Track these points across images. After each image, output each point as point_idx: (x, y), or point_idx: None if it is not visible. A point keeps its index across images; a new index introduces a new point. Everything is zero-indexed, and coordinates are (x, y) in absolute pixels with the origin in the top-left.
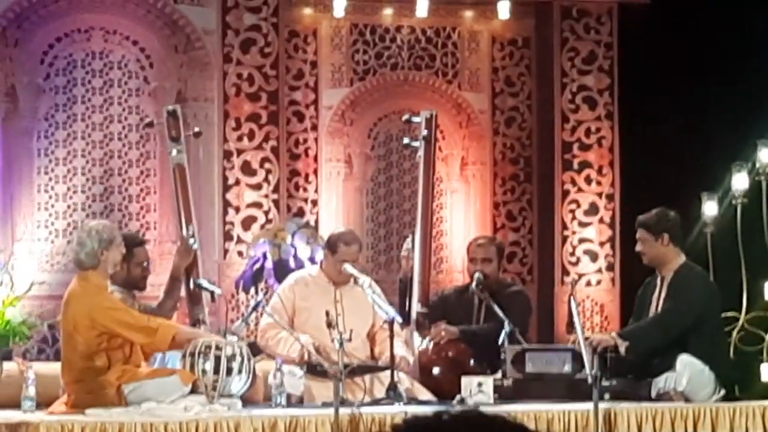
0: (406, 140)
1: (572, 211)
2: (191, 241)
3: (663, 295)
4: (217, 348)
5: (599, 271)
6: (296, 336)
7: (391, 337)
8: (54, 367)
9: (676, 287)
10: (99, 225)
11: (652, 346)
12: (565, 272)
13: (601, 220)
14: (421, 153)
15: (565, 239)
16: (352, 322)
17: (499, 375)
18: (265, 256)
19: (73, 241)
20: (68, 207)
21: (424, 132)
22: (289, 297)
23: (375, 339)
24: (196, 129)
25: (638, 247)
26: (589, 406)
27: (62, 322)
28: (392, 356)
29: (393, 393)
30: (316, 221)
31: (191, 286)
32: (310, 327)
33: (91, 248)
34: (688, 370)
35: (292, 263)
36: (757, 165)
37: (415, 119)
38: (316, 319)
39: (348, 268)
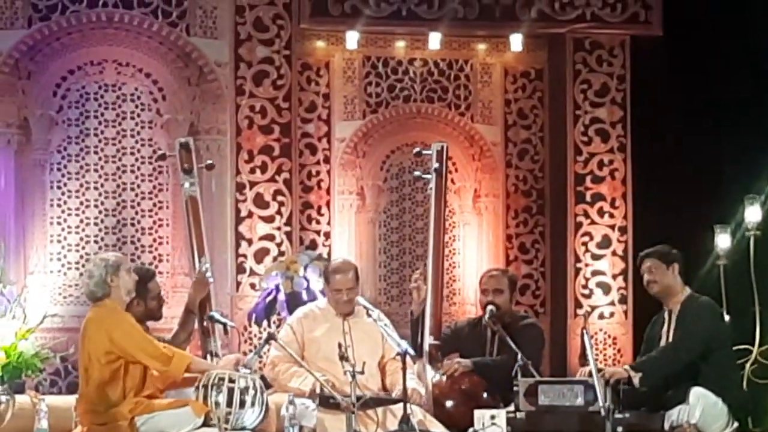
0: (417, 173)
1: (585, 244)
2: (207, 274)
3: (672, 327)
4: (230, 380)
5: (612, 303)
6: (309, 369)
7: (404, 369)
8: (66, 400)
9: (684, 317)
10: (104, 254)
11: (664, 374)
12: (578, 305)
13: (614, 253)
14: (432, 185)
15: (577, 271)
16: (362, 354)
17: (512, 408)
18: (277, 289)
19: (83, 276)
20: (80, 239)
21: (436, 164)
22: (298, 330)
23: (385, 370)
24: (209, 161)
25: (648, 276)
26: None
27: (80, 352)
28: (405, 388)
29: (406, 426)
30: (329, 253)
31: (204, 318)
32: (321, 359)
33: (99, 277)
34: (701, 403)
35: (304, 296)
36: None
37: (426, 152)
38: (325, 351)
39: (360, 300)
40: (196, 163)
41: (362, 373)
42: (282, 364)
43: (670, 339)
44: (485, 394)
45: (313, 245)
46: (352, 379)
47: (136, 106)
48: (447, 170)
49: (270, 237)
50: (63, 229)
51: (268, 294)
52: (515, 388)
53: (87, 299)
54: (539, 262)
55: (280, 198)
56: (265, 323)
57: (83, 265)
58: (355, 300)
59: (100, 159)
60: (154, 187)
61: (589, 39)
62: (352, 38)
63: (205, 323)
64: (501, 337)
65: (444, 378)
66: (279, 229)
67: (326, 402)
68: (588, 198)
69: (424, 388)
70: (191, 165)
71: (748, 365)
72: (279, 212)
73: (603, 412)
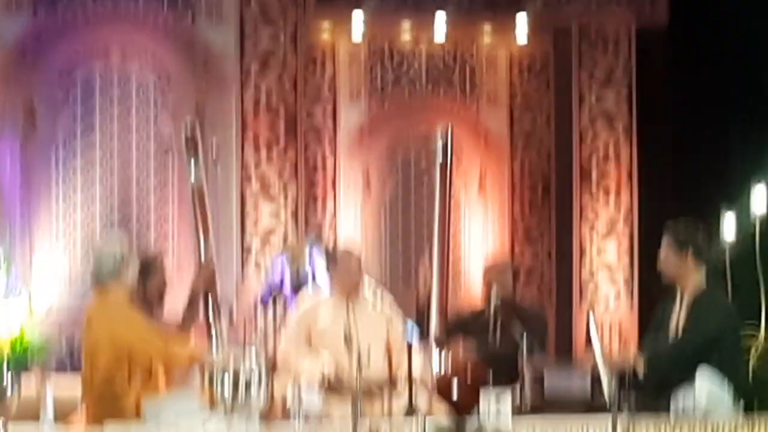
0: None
1: (591, 229)
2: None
3: (682, 316)
4: (236, 365)
5: (617, 290)
6: (317, 357)
7: (410, 356)
8: (72, 380)
9: (697, 314)
10: (111, 238)
11: (670, 371)
12: (583, 291)
13: (619, 239)
14: (437, 172)
15: (583, 258)
16: (367, 340)
17: (517, 395)
18: (283, 274)
19: (89, 261)
20: (85, 218)
21: (440, 151)
22: (302, 322)
23: (392, 354)
24: (214, 156)
25: (661, 255)
26: (607, 419)
27: (84, 342)
28: (410, 375)
29: (411, 411)
30: (335, 239)
31: (209, 305)
32: (326, 347)
33: (108, 261)
34: (707, 386)
35: (309, 281)
36: None
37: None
38: (331, 339)
39: (367, 283)
40: (201, 153)
41: (368, 358)
42: (290, 356)
43: (680, 327)
44: (490, 381)
45: (318, 231)
46: (357, 364)
47: (142, 96)
48: (451, 157)
49: (275, 223)
50: (69, 208)
51: (274, 279)
52: (520, 376)
53: (93, 284)
54: (545, 249)
55: (285, 185)
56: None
57: (88, 248)
58: (361, 281)
59: (104, 149)
60: (159, 181)
61: (594, 27)
62: (358, 26)
63: (210, 310)
64: (505, 325)
65: (449, 365)
66: (284, 215)
67: (332, 386)
68: (593, 184)
69: (431, 376)
70: (197, 155)
71: (754, 348)
72: (285, 199)
73: (608, 400)
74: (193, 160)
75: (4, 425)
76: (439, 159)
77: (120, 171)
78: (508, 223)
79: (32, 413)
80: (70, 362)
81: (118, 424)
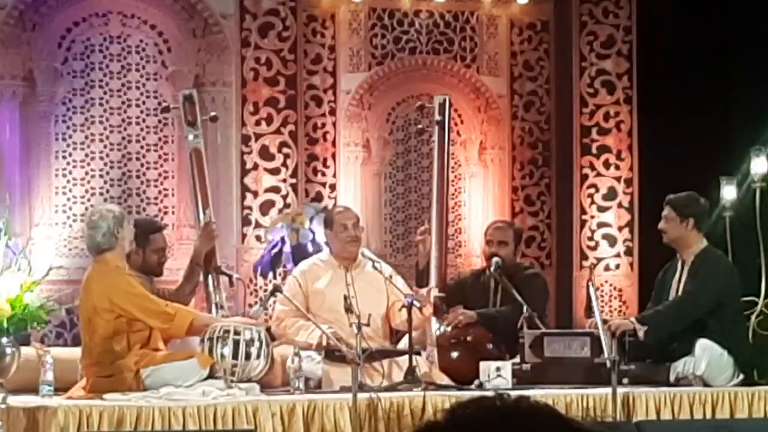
0: (419, 126)
1: (591, 196)
2: (213, 226)
3: (683, 278)
4: (236, 333)
5: (618, 255)
6: (315, 322)
7: (410, 321)
8: (72, 352)
9: (697, 272)
10: (108, 205)
11: (671, 330)
12: (584, 257)
13: (619, 205)
14: (435, 138)
15: (583, 224)
16: (366, 305)
17: (517, 359)
18: (283, 241)
19: (84, 228)
20: (86, 191)
21: (438, 117)
22: (302, 282)
23: (391, 314)
24: (213, 113)
25: (662, 225)
26: (607, 390)
27: (81, 306)
28: (410, 341)
29: (411, 377)
30: (334, 205)
31: (210, 270)
32: (325, 311)
33: (106, 229)
34: (707, 355)
35: (310, 248)
36: None
37: (429, 105)
38: (330, 302)
39: (366, 252)
40: (200, 116)
41: (368, 325)
42: (288, 319)
43: (681, 290)
44: (490, 346)
45: (318, 197)
46: (357, 331)
47: (141, 58)
48: (451, 122)
49: (275, 189)
50: (68, 181)
51: (274, 246)
52: (520, 340)
53: (90, 252)
54: (545, 214)
55: (285, 150)
56: (270, 275)
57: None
58: (360, 245)
59: (105, 111)
60: (160, 139)
61: None
62: None
63: (210, 276)
64: (505, 288)
65: (449, 329)
66: (284, 181)
67: (332, 354)
68: (594, 150)
69: (431, 340)
70: (195, 117)
71: (753, 317)
72: (284, 164)
73: (608, 364)
74: (190, 126)
75: (4, 398)
76: (436, 125)
77: (119, 129)
78: (509, 189)
79: (32, 385)
80: (69, 334)
81: (118, 393)
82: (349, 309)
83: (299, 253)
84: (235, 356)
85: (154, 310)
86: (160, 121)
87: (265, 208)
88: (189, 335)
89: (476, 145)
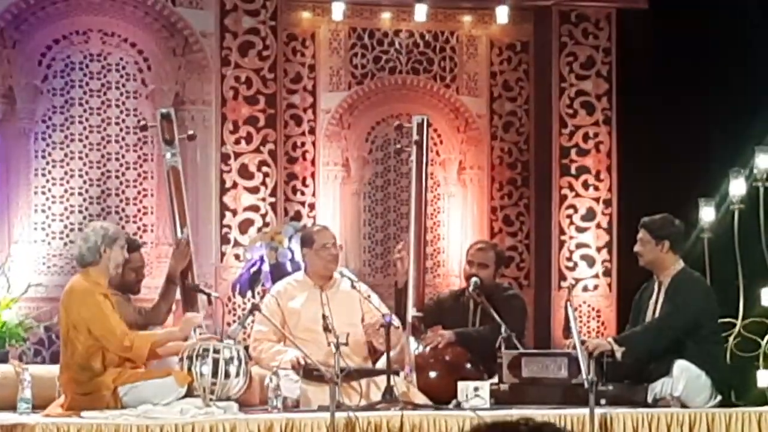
0: (398, 146)
1: (569, 216)
2: (187, 243)
3: (660, 300)
4: (215, 351)
5: (596, 276)
6: (294, 342)
7: (387, 341)
8: (50, 369)
9: (674, 292)
10: (105, 223)
11: (648, 350)
12: (562, 277)
13: (598, 226)
14: (413, 158)
15: (562, 244)
16: (342, 324)
17: (495, 379)
18: (262, 260)
19: (77, 238)
20: (65, 209)
21: (416, 137)
22: (280, 302)
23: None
24: (190, 132)
25: (637, 248)
26: (585, 411)
27: (60, 321)
28: (388, 360)
29: (389, 397)
30: (313, 224)
31: (187, 288)
32: (301, 330)
33: (93, 243)
34: (685, 376)
35: (289, 267)
36: (755, 171)
37: (407, 125)
38: (305, 322)
39: (344, 272)
40: (177, 134)
41: (346, 344)
42: (265, 342)
43: (658, 311)
44: (468, 366)
45: (297, 216)
46: (335, 350)
47: (121, 76)
48: (430, 142)
49: (255, 208)
50: (47, 199)
51: (252, 265)
52: (499, 360)
53: (75, 262)
54: (524, 235)
55: (264, 169)
56: (249, 294)
57: (67, 235)
58: (338, 264)
59: (84, 129)
60: (139, 157)
61: (575, 11)
62: (338, 9)
63: (188, 293)
64: (484, 308)
65: (427, 349)
66: (264, 200)
67: (310, 374)
68: (573, 170)
69: (409, 361)
70: (172, 135)
71: (731, 339)
72: (264, 183)
73: (586, 385)
74: (168, 144)
75: None
76: (414, 145)
77: (99, 146)
78: (487, 209)
79: (10, 403)
80: (47, 352)
81: (96, 411)
82: (327, 328)
83: (278, 272)
84: (214, 374)
85: (113, 342)
86: (139, 140)
87: (244, 226)
88: (152, 359)
89: (455, 165)
